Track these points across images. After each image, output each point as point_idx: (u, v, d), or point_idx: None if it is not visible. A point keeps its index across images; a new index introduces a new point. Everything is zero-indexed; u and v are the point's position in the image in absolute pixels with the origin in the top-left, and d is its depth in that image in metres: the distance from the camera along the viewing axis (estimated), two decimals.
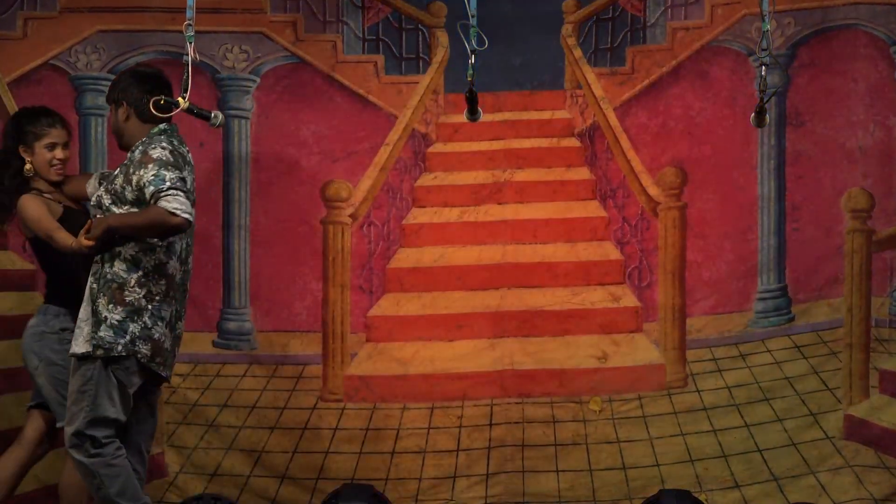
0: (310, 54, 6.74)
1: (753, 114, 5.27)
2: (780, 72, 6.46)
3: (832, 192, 6.55)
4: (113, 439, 4.99)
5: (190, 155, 5.15)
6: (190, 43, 4.98)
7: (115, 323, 4.93)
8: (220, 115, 5.21)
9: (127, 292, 4.92)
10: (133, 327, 4.93)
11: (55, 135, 5.50)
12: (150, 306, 4.94)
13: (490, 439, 6.62)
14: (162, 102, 5.05)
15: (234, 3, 6.70)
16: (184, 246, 5.09)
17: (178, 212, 4.81)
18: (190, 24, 5.01)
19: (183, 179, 4.90)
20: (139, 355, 4.94)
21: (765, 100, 5.21)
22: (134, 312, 4.93)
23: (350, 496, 6.18)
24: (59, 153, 5.48)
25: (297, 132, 6.71)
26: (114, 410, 4.96)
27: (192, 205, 4.98)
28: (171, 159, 4.93)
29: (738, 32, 6.64)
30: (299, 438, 6.60)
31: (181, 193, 4.83)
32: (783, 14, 6.47)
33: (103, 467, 4.94)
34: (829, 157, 6.57)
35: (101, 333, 4.93)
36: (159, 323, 4.97)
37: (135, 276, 4.93)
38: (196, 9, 5.07)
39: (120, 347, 4.92)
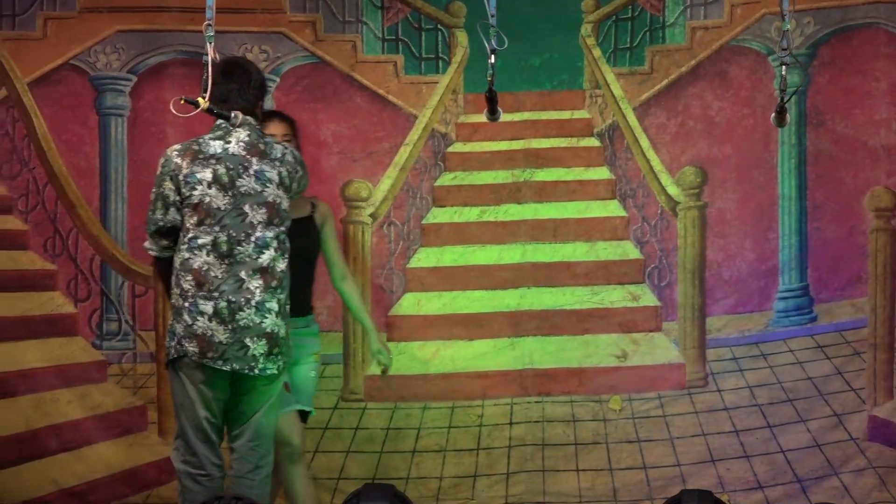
0: (329, 54, 6.75)
1: (774, 113, 5.23)
2: (800, 71, 6.44)
3: (854, 191, 6.53)
4: (207, 442, 4.93)
5: (227, 144, 4.92)
6: (210, 43, 4.94)
7: (169, 327, 4.93)
8: (241, 115, 5.17)
9: (172, 295, 4.93)
10: (178, 327, 4.86)
11: (271, 128, 5.41)
12: (186, 304, 4.85)
13: (510, 438, 6.62)
14: (182, 102, 5.03)
15: (253, 2, 6.71)
16: (223, 238, 4.86)
17: (147, 251, 5.03)
18: (210, 25, 4.97)
19: (159, 196, 4.90)
20: (189, 353, 4.84)
21: (785, 99, 5.18)
22: (177, 313, 4.88)
23: (371, 496, 6.13)
24: None
25: (316, 132, 6.70)
26: (195, 412, 4.90)
27: (234, 195, 4.88)
28: (159, 172, 4.94)
29: (757, 32, 6.63)
30: (320, 438, 6.60)
31: (151, 225, 4.95)
32: (803, 13, 6.45)
33: (185, 478, 4.91)
34: (850, 156, 6.55)
35: (166, 341, 4.95)
36: (199, 318, 4.83)
37: (173, 278, 4.92)
38: (215, 9, 5.06)
39: (172, 351, 4.88)
